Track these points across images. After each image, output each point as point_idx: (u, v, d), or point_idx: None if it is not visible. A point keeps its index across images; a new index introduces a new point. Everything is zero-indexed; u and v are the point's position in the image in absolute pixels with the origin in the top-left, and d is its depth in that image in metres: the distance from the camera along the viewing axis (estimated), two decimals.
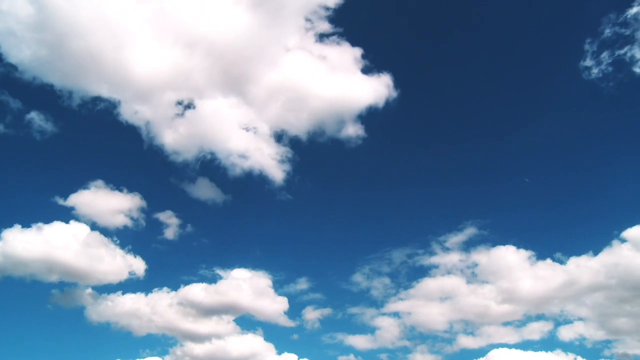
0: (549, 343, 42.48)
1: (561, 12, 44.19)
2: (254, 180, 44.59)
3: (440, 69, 48.12)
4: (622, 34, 39.90)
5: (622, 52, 40.30)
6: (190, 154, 43.68)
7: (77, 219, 40.70)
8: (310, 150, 45.48)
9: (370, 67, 44.21)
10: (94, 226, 41.16)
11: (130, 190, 43.25)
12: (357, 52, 44.22)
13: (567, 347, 41.95)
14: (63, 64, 38.39)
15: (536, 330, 43.28)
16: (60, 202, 41.03)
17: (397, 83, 44.23)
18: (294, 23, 42.72)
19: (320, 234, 49.46)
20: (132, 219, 42.73)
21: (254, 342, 42.58)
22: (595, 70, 41.55)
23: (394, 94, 44.36)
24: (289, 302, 44.17)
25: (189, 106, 42.89)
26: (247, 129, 43.84)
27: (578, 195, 46.16)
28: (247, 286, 43.47)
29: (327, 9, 43.23)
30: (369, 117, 44.47)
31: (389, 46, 47.57)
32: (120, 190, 42.90)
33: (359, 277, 46.08)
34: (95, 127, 43.74)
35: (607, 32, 40.61)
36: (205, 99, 43.12)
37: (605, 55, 40.99)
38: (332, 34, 43.94)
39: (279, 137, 44.49)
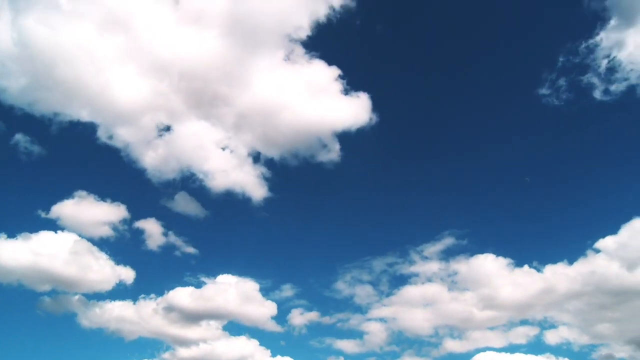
0: (535, 347, 43.57)
1: (521, 42, 47.19)
2: (234, 197, 45.64)
3: (414, 91, 49.87)
4: (580, 62, 42.71)
5: (581, 79, 43.09)
6: (170, 173, 44.94)
7: (63, 229, 41.23)
8: (288, 170, 46.78)
9: (347, 88, 45.12)
10: (80, 235, 41.63)
11: (114, 200, 43.83)
12: (335, 72, 45.08)
13: (554, 350, 43.13)
14: (46, 90, 39.70)
15: (522, 335, 44.34)
16: (44, 214, 41.49)
17: (374, 103, 45.38)
18: (269, 44, 43.69)
19: (301, 245, 50.30)
20: (116, 229, 43.36)
21: (246, 345, 43.39)
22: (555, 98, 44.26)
23: (371, 114, 45.41)
24: (276, 308, 45.01)
25: (167, 129, 44.21)
26: (224, 149, 45.34)
27: (552, 207, 47.49)
28: (234, 292, 44.29)
29: (303, 29, 43.85)
30: (346, 135, 45.60)
31: (365, 67, 48.97)
32: (104, 201, 43.47)
33: (341, 284, 47.11)
34: (78, 148, 44.66)
35: (564, 60, 43.74)
36: (183, 122, 44.54)
37: (563, 82, 43.72)
38: (308, 54, 44.74)
39: (256, 157, 45.87)
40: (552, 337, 43.85)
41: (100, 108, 41.11)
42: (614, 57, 41.98)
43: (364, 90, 45.10)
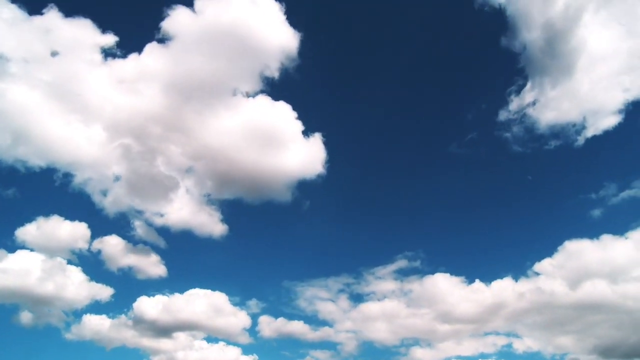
0: (505, 356, 45.85)
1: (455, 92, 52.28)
2: (193, 235, 47.78)
3: (364, 131, 54.15)
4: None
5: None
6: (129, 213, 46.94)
7: (32, 249, 42.91)
8: (244, 208, 49.41)
9: (304, 130, 47.38)
10: (51, 254, 43.40)
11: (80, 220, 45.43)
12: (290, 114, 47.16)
13: (522, 358, 45.32)
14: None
15: (490, 344, 46.42)
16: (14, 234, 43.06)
17: (327, 141, 48.02)
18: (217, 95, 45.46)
19: (260, 266, 52.58)
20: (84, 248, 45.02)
21: (221, 355, 45.14)
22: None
23: (324, 152, 48.02)
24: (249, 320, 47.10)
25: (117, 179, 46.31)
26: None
27: (495, 232, 51.14)
28: (205, 304, 46.21)
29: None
30: (300, 176, 47.95)
31: (319, 112, 51.92)
32: (71, 220, 45.03)
33: (302, 302, 49.66)
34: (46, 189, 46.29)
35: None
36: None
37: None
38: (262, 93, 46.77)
39: (210, 199, 48.29)
40: (518, 348, 45.90)
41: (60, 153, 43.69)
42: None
43: (318, 131, 47.89)
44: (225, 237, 48.40)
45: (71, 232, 44.03)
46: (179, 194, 47.53)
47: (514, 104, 48.33)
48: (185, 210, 47.79)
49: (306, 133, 47.65)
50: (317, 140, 48.28)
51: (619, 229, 43.76)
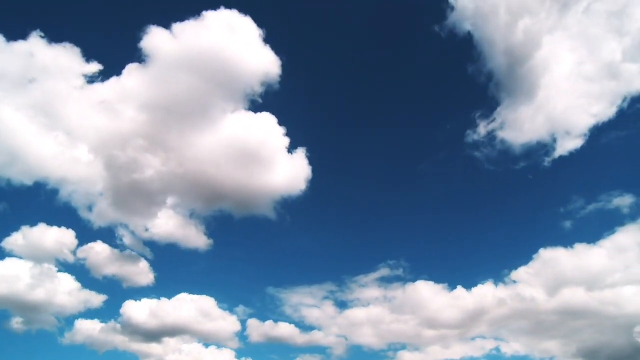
0: (493, 358, 46.71)
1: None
2: (178, 247, 48.97)
3: (345, 146, 56.55)
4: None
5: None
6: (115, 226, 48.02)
7: (21, 256, 43.60)
8: (229, 224, 51.16)
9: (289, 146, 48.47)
10: (40, 262, 44.04)
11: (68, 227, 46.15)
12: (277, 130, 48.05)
13: None
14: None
15: (478, 348, 47.33)
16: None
17: (310, 155, 49.31)
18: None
19: (245, 275, 53.74)
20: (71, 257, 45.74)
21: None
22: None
23: (307, 167, 49.12)
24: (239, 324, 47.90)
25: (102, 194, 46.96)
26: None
27: (473, 238, 53.19)
28: (193, 309, 47.00)
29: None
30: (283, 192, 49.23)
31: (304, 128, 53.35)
32: (58, 226, 45.82)
33: (288, 309, 50.67)
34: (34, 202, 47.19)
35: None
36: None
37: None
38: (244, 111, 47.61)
39: (194, 214, 49.35)
40: (506, 352, 46.82)
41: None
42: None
43: (301, 146, 49.20)
44: (209, 250, 49.62)
45: (59, 239, 44.76)
46: (164, 209, 48.58)
47: (482, 126, 50.51)
48: (170, 224, 48.91)
49: (289, 149, 48.83)
50: (300, 155, 49.47)
51: (591, 238, 45.90)
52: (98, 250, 46.24)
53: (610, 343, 42.68)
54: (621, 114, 46.06)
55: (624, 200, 46.25)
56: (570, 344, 45.14)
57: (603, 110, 46.15)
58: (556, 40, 47.02)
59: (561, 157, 47.36)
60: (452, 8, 48.00)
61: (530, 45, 45.93)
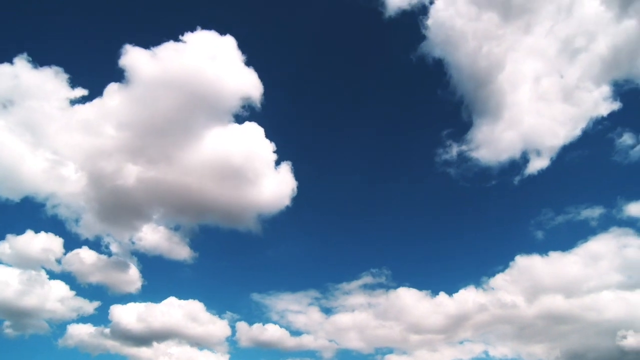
0: None
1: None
2: (163, 259, 50.05)
3: (330, 160, 58.61)
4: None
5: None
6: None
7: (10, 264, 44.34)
8: (214, 237, 52.81)
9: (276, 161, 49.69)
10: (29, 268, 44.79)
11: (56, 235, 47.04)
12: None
13: None
14: None
15: (467, 352, 47.94)
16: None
17: (295, 169, 50.58)
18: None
19: (230, 281, 54.97)
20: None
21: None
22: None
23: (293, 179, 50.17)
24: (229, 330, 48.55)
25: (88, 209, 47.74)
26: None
27: (451, 248, 54.89)
28: (183, 314, 47.68)
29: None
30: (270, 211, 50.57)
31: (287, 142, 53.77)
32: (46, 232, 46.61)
33: (275, 315, 51.54)
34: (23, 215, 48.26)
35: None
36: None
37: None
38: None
39: (178, 228, 50.41)
40: (494, 355, 47.54)
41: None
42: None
43: (287, 160, 50.41)
44: (194, 263, 50.70)
45: (47, 247, 45.54)
46: (149, 223, 49.67)
47: (455, 146, 52.91)
48: (155, 238, 49.95)
49: (274, 163, 49.81)
50: (285, 169, 50.50)
51: (564, 246, 47.70)
52: (86, 257, 46.95)
53: (597, 346, 43.46)
54: (585, 134, 48.99)
55: (593, 212, 48.59)
56: (556, 348, 45.81)
57: (567, 131, 49.03)
58: (520, 63, 49.84)
59: (530, 175, 49.94)
60: (424, 37, 51.12)
61: (495, 68, 49.03)
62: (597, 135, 49.46)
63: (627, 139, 48.48)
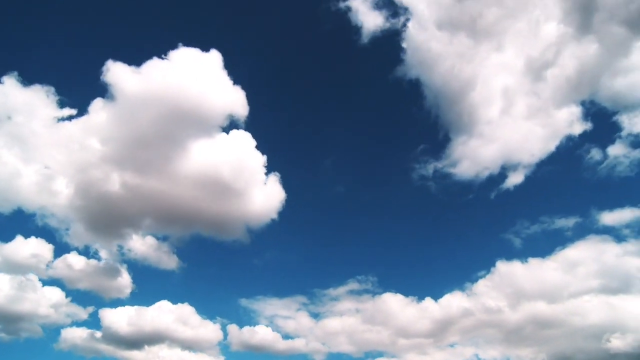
0: None
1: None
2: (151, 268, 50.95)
3: (320, 165, 59.55)
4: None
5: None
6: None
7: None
8: (201, 247, 53.92)
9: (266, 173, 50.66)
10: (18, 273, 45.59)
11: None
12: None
13: None
14: None
15: (458, 355, 48.43)
16: None
17: (283, 181, 51.61)
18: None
19: (217, 288, 55.74)
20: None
21: None
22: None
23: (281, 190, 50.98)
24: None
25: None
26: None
27: (433, 255, 56.18)
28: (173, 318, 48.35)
29: None
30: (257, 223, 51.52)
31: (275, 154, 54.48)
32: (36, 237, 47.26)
33: (264, 320, 52.09)
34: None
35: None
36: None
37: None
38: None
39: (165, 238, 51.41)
40: (485, 358, 48.11)
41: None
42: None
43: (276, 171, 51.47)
44: (181, 273, 51.66)
45: (37, 252, 46.01)
46: (136, 235, 50.44)
47: (431, 162, 54.88)
48: (143, 249, 50.70)
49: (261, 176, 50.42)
50: (274, 180, 51.35)
51: (543, 253, 49.13)
52: (76, 262, 47.52)
53: (585, 348, 43.93)
54: (557, 151, 51.21)
55: (568, 222, 50.48)
56: (544, 352, 46.30)
57: (539, 148, 50.80)
58: (491, 82, 51.82)
59: (507, 190, 52.10)
60: (402, 61, 53.75)
61: (467, 87, 51.65)
62: (567, 152, 52.15)
63: (595, 154, 51.07)
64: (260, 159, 50.03)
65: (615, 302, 43.63)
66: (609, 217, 48.25)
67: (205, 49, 48.67)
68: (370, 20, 53.48)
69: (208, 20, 58.39)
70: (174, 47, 47.59)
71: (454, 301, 48.02)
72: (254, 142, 49.71)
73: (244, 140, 49.64)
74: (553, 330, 45.16)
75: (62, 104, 48.63)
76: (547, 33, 48.72)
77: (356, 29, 53.84)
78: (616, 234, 47.55)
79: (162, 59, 47.11)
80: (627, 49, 47.21)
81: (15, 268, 45.09)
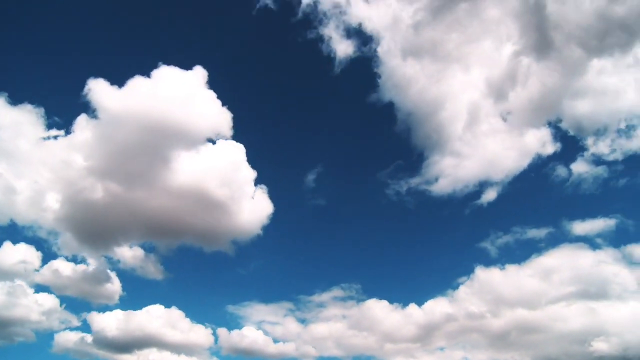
0: None
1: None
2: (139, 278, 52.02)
3: (305, 177, 59.69)
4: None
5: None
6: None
7: None
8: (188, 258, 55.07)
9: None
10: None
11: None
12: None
13: None
14: None
15: (447, 357, 48.92)
16: None
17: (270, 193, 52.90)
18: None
19: (203, 295, 56.70)
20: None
21: None
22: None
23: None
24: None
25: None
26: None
27: (414, 263, 57.64)
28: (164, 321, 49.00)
29: None
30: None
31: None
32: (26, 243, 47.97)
33: (252, 325, 52.73)
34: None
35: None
36: None
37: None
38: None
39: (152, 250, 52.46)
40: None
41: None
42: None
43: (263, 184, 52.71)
44: (167, 283, 52.55)
45: (25, 258, 46.73)
46: (123, 246, 51.33)
47: (406, 179, 56.60)
48: (130, 261, 51.56)
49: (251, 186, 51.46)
50: (261, 193, 52.42)
51: (519, 260, 50.96)
52: (65, 268, 48.25)
53: (569, 350, 44.63)
54: (529, 167, 53.58)
55: (540, 232, 52.34)
56: (530, 355, 47.00)
57: (509, 166, 53.21)
58: (459, 103, 53.74)
59: (480, 205, 54.15)
60: (377, 86, 56.69)
61: (438, 107, 54.42)
62: (535, 169, 54.39)
63: (561, 172, 53.44)
64: (250, 172, 51.08)
65: (595, 307, 44.46)
66: (581, 227, 50.45)
67: (189, 66, 50.01)
68: (342, 48, 56.68)
69: (191, 38, 60.72)
70: (156, 65, 48.82)
71: (437, 307, 48.95)
72: (241, 155, 50.86)
73: (229, 153, 50.55)
74: (537, 336, 45.91)
75: (49, 121, 49.91)
76: (507, 55, 51.03)
77: (328, 59, 57.12)
78: (590, 242, 49.60)
79: (146, 77, 48.22)
80: (584, 69, 50.01)
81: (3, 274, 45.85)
